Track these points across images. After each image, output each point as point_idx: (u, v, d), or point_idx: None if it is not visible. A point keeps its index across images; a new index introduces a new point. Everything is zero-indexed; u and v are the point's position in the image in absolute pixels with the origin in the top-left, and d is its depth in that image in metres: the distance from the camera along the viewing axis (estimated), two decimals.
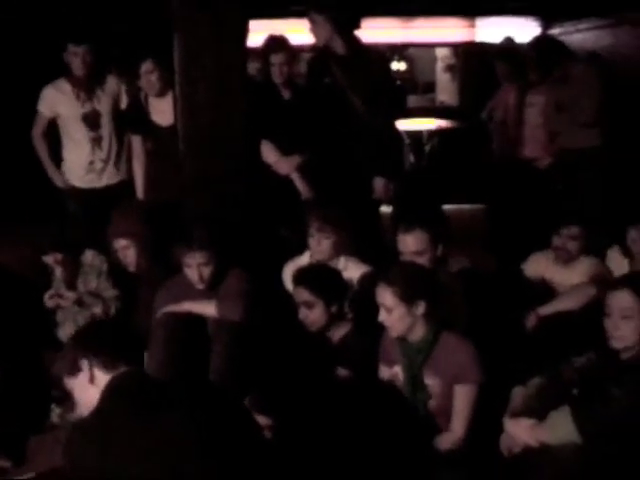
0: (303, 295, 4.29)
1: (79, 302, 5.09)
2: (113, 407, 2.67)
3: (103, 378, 2.74)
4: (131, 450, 2.52)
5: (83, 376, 2.78)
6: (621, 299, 3.52)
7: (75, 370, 2.80)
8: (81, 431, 2.67)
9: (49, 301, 5.09)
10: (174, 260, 4.83)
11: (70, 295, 5.08)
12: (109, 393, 2.71)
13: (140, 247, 5.06)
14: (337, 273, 4.53)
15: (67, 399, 4.40)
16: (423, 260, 4.32)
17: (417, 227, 4.40)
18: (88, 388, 2.77)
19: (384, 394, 3.98)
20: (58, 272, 5.11)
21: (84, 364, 2.78)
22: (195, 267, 4.59)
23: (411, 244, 4.38)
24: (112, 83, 5.84)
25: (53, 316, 5.14)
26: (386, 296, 3.75)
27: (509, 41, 7.62)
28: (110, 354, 2.75)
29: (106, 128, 5.72)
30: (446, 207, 7.12)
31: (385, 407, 3.87)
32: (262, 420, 3.94)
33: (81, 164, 5.76)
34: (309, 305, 4.27)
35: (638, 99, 6.69)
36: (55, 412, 4.55)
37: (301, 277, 4.38)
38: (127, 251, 5.09)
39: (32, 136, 5.78)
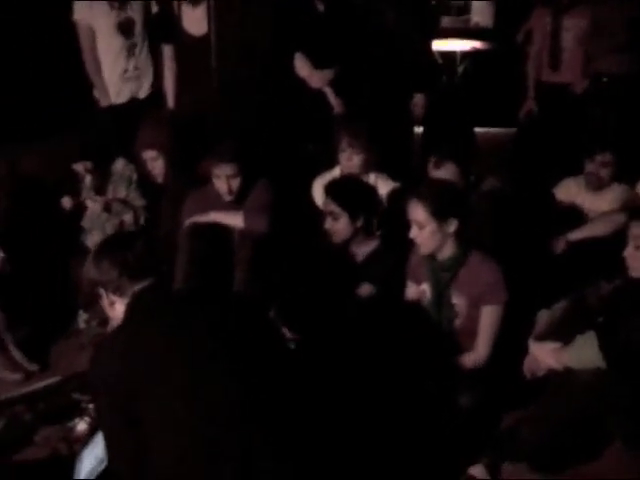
0: (330, 206, 4.29)
1: (107, 208, 5.10)
2: (133, 323, 2.69)
3: (121, 302, 2.76)
4: (152, 368, 2.53)
5: (105, 300, 2.81)
6: (636, 229, 3.50)
7: (97, 295, 2.84)
8: (103, 347, 2.69)
9: (66, 202, 5.11)
10: (201, 171, 4.83)
11: (98, 199, 5.09)
12: (128, 315, 2.73)
13: (168, 158, 5.05)
14: (370, 188, 4.53)
15: (93, 305, 4.48)
16: None
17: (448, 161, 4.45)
18: (112, 309, 2.81)
19: (407, 311, 4.00)
20: (88, 180, 5.11)
21: (101, 292, 2.81)
22: (224, 179, 4.58)
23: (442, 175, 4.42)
24: None
25: (81, 223, 5.16)
26: (419, 212, 3.72)
27: None
28: (122, 281, 2.75)
29: (139, 36, 5.64)
30: (478, 130, 7.08)
31: (407, 324, 3.90)
32: (286, 333, 3.98)
33: (116, 74, 5.67)
34: (335, 216, 4.27)
35: None
36: (82, 318, 4.59)
37: (331, 188, 4.38)
38: (155, 162, 5.07)
39: (84, 54, 5.69)
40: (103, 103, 5.65)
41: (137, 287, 2.74)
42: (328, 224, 4.31)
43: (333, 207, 4.27)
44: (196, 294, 3.07)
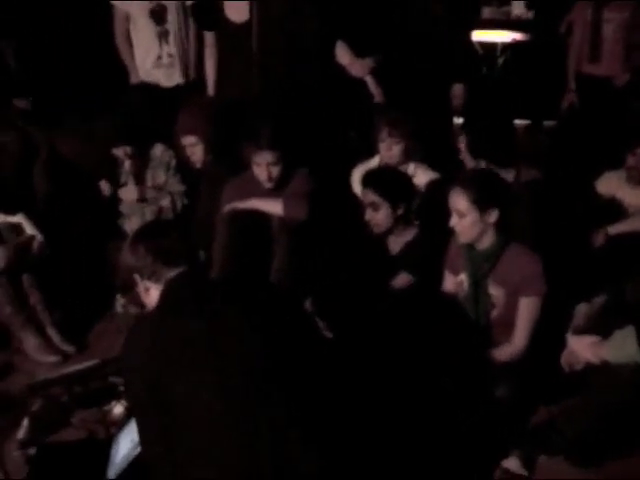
0: (370, 196, 4.28)
1: (142, 198, 5.15)
2: (165, 309, 2.70)
3: (156, 287, 2.78)
4: (183, 354, 2.54)
5: (141, 286, 2.84)
6: None
7: (133, 281, 2.87)
8: (135, 330, 2.71)
9: (104, 186, 5.17)
10: (241, 158, 4.83)
11: (131, 189, 5.15)
12: (162, 300, 2.75)
13: (207, 144, 5.06)
14: (406, 177, 4.51)
15: (131, 290, 4.50)
16: None
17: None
18: (147, 295, 2.83)
19: (444, 301, 3.99)
20: (127, 165, 5.14)
21: (137, 278, 2.84)
22: (264, 166, 4.58)
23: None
24: None
25: (119, 208, 5.20)
26: (460, 201, 3.70)
27: None
28: (157, 267, 2.77)
29: (173, 23, 5.65)
30: (518, 122, 7.04)
31: (444, 314, 3.89)
32: (321, 323, 3.98)
33: (150, 60, 5.71)
34: (375, 207, 4.26)
35: None
36: (119, 302, 4.61)
37: (369, 179, 4.36)
38: (194, 148, 5.09)
39: (115, 36, 5.73)
40: (133, 80, 5.72)
41: (172, 273, 2.76)
42: (369, 215, 4.30)
43: (373, 197, 4.26)
44: (231, 282, 3.08)
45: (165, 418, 2.50)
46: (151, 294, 2.81)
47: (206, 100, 5.60)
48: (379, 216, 4.28)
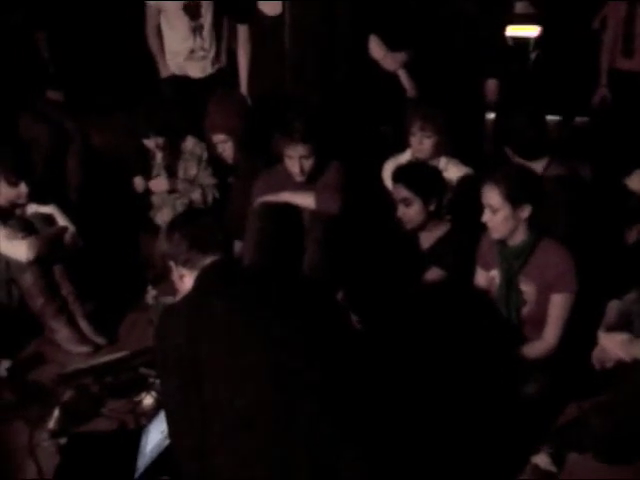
0: (402, 192, 4.26)
1: (172, 190, 5.16)
2: (200, 294, 2.71)
3: (190, 275, 2.80)
4: (216, 334, 2.55)
5: (175, 272, 2.86)
6: None
7: (167, 268, 2.90)
8: (169, 314, 2.73)
9: (138, 183, 5.19)
10: (273, 151, 4.83)
11: (163, 182, 5.16)
12: (196, 286, 2.76)
13: (238, 141, 5.06)
14: (436, 171, 4.49)
15: (162, 281, 4.52)
16: None
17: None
18: (181, 282, 2.85)
19: (475, 296, 3.98)
20: (159, 157, 5.16)
21: (172, 264, 2.86)
22: (296, 159, 4.56)
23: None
24: None
25: (150, 200, 5.22)
26: (493, 196, 3.70)
27: None
28: (192, 254, 2.79)
29: (207, 17, 5.66)
30: (550, 118, 7.00)
31: (475, 310, 3.88)
32: (353, 316, 3.98)
33: (182, 53, 5.72)
34: (407, 202, 4.25)
35: None
36: (150, 294, 4.63)
37: (400, 174, 4.34)
38: (225, 145, 5.11)
39: (146, 31, 5.75)
40: (163, 74, 5.73)
41: (207, 261, 2.78)
42: (401, 211, 4.29)
43: (405, 193, 4.24)
44: (265, 272, 3.09)
45: (197, 403, 2.50)
46: (185, 281, 2.83)
47: (236, 96, 5.61)
48: (411, 212, 4.26)
